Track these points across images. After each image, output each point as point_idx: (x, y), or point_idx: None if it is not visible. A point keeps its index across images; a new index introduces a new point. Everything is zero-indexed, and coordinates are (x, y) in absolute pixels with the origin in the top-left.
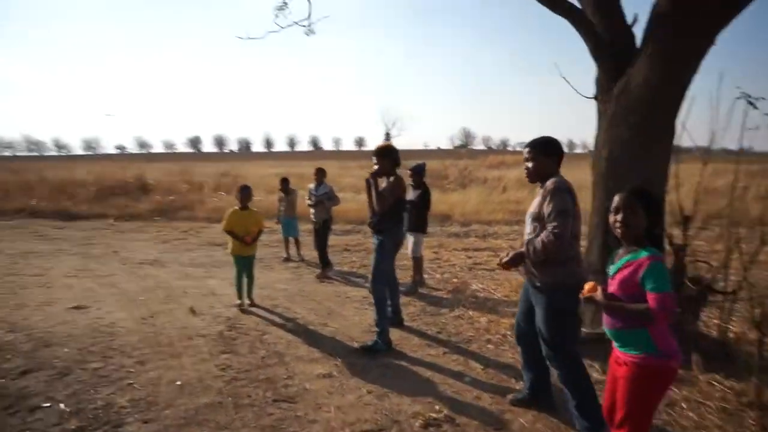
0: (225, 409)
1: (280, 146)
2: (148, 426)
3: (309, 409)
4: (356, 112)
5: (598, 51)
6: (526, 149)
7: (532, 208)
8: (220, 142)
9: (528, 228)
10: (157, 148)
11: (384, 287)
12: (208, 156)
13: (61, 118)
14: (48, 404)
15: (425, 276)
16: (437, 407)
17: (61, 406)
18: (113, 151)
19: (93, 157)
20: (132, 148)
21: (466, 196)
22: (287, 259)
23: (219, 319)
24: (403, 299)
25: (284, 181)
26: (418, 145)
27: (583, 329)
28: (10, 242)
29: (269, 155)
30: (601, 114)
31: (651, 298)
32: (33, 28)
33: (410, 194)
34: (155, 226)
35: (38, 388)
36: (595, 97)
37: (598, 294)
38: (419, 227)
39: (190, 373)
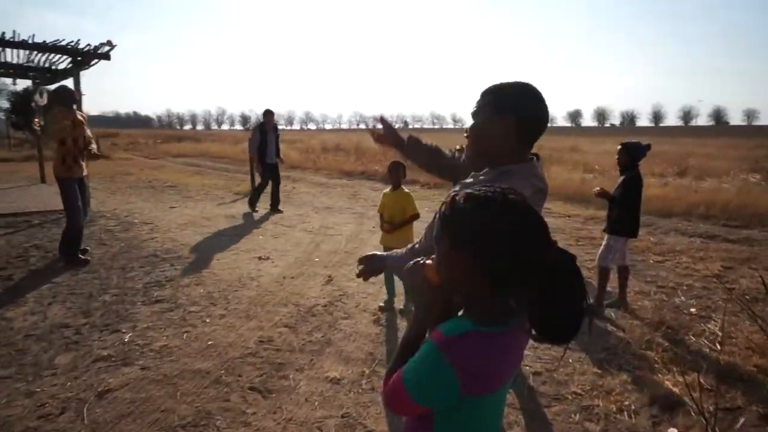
0: (203, 380)
1: (672, 120)
2: (140, 372)
3: (264, 410)
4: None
5: None
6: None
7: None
8: (601, 115)
9: None
10: None
11: None
12: (586, 131)
13: (461, 94)
14: (124, 331)
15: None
16: None
17: (126, 336)
18: None
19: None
20: None
21: None
22: None
23: (334, 293)
24: None
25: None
26: None
27: None
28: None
29: (655, 130)
30: None
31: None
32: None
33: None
34: (441, 196)
35: (142, 317)
36: None
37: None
38: (619, 227)
39: (231, 337)
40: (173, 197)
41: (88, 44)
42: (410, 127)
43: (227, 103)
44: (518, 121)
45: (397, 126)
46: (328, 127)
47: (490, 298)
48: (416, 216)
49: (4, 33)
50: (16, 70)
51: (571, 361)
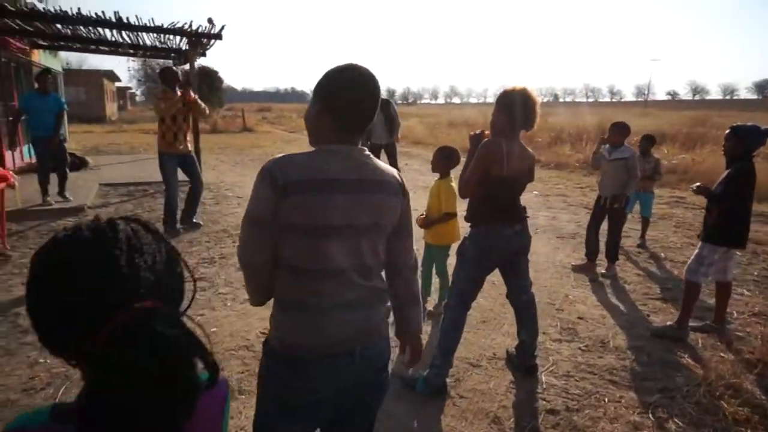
0: None
1: None
2: None
3: None
4: None
5: None
6: None
7: None
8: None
9: None
10: (715, 93)
11: (457, 312)
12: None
13: (617, 65)
14: None
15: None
16: None
17: None
18: (664, 98)
19: (640, 104)
20: (685, 94)
21: None
22: None
23: None
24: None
25: (646, 139)
26: None
27: None
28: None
29: None
30: None
31: None
32: None
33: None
34: (557, 177)
35: None
36: None
37: None
38: (717, 234)
39: (237, 325)
40: None
41: (200, 25)
42: (561, 100)
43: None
44: (325, 106)
45: (545, 100)
46: (473, 101)
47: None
48: (450, 216)
49: (128, 17)
50: (155, 52)
51: (606, 401)
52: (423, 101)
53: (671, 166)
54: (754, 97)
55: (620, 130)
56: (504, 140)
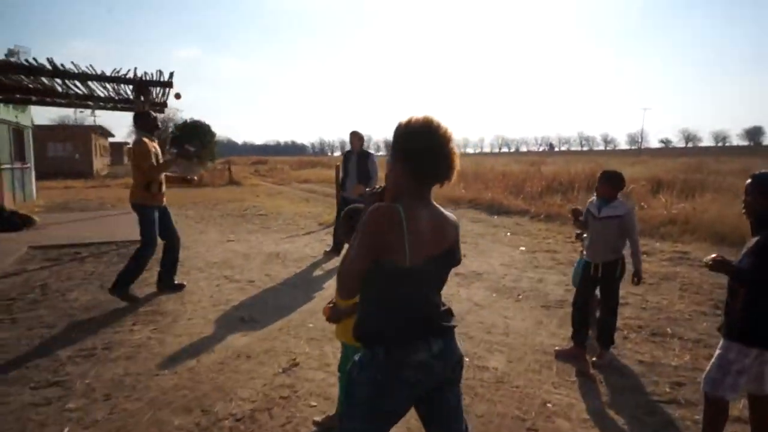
0: None
1: None
2: None
3: None
4: None
5: None
6: None
7: None
8: None
9: None
10: (707, 140)
11: None
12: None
13: (609, 114)
14: None
15: None
16: None
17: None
18: (657, 146)
19: (633, 152)
20: (677, 141)
21: None
22: None
23: (275, 392)
24: None
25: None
26: None
27: None
28: None
29: None
30: None
31: None
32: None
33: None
34: (547, 231)
35: (9, 410)
36: None
37: None
38: (751, 331)
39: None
40: (250, 227)
41: (144, 72)
42: (556, 149)
43: (373, 129)
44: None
45: (542, 149)
46: (470, 150)
47: None
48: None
49: (62, 65)
50: (114, 104)
51: None
52: (375, 153)
53: (671, 216)
54: (745, 143)
55: (611, 180)
56: (404, 204)
